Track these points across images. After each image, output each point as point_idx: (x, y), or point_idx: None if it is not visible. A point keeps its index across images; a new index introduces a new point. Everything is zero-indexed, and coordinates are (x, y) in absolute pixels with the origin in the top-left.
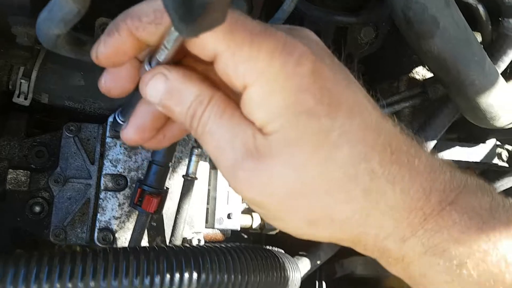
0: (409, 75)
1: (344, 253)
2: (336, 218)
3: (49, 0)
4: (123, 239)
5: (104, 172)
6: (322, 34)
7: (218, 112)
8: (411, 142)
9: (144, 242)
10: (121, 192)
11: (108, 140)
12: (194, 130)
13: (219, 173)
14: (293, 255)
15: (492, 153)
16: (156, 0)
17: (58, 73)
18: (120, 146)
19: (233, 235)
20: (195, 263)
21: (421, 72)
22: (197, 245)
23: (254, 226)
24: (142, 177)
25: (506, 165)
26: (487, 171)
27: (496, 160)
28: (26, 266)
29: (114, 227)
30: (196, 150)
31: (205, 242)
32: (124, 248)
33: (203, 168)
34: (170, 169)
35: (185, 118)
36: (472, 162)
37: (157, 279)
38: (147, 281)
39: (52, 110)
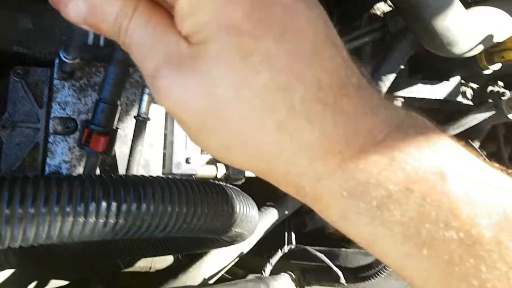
0: (370, 11)
1: None
2: (250, 146)
3: None
4: None
5: (52, 115)
6: None
7: (143, 21)
8: (350, 79)
9: None
10: (71, 136)
11: (55, 82)
12: (122, 43)
13: None
14: (260, 206)
15: (456, 91)
16: None
17: (5, 17)
18: (69, 88)
19: None
20: (135, 192)
21: (382, 8)
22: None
23: (218, 176)
24: None
25: (471, 103)
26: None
27: (460, 98)
28: None
29: (65, 171)
30: (147, 89)
31: None
32: (56, 176)
33: (159, 112)
34: (120, 108)
35: (113, 33)
36: (436, 100)
37: (91, 207)
38: (80, 208)
39: (2, 56)
